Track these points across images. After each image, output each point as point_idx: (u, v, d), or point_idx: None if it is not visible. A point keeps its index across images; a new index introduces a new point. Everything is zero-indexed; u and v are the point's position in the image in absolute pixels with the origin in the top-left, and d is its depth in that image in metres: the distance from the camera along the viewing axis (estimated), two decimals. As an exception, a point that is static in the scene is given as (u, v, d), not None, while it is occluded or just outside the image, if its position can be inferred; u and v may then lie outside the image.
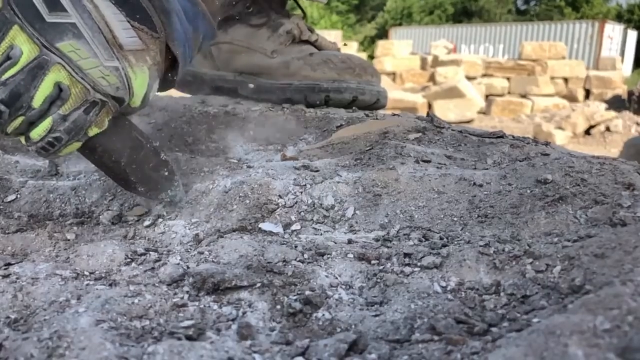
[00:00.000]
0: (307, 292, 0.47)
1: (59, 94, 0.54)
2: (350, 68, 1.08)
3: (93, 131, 0.57)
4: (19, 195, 0.68)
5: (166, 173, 0.64)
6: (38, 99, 0.53)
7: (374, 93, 1.09)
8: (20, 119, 0.54)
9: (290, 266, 0.51)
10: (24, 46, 0.52)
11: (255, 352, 0.39)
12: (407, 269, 0.51)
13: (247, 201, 0.64)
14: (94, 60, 0.55)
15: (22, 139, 0.57)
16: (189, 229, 0.61)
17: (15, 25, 0.52)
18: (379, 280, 0.50)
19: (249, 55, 1.11)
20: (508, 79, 8.53)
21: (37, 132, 0.55)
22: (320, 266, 0.52)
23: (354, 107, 1.07)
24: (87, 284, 0.48)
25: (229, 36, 1.13)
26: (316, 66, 1.07)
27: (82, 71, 0.54)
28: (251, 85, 1.11)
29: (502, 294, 0.47)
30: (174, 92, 1.22)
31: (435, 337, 0.40)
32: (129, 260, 0.54)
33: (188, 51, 0.65)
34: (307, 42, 1.14)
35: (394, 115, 1.05)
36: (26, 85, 0.53)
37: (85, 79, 0.55)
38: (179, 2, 0.63)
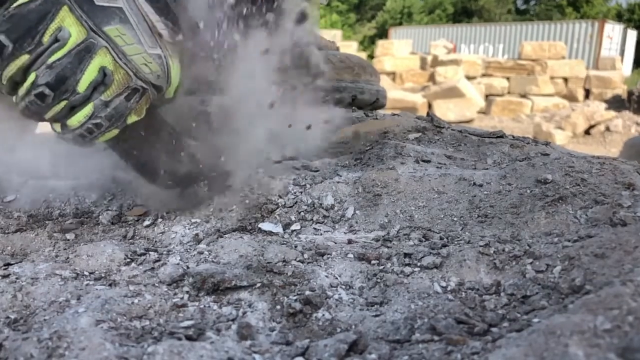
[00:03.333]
0: (307, 292, 0.47)
1: (102, 79, 0.53)
2: (349, 67, 1.08)
3: (132, 119, 0.56)
4: (18, 195, 0.68)
5: (192, 167, 0.64)
6: (83, 84, 0.52)
7: (373, 92, 1.09)
8: (63, 103, 0.53)
9: (290, 266, 0.51)
10: (72, 28, 0.51)
11: (255, 352, 0.39)
12: (407, 269, 0.51)
13: (247, 201, 0.64)
14: (139, 47, 0.54)
15: (57, 127, 0.55)
16: (189, 229, 0.61)
17: (65, 6, 0.51)
18: (379, 280, 0.50)
19: None
20: (508, 78, 8.52)
21: (77, 119, 0.54)
22: (320, 266, 0.52)
23: (353, 107, 1.07)
24: (87, 284, 0.48)
25: None
26: None
27: (126, 57, 0.54)
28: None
29: (502, 294, 0.47)
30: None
31: (436, 337, 0.40)
32: (128, 260, 0.54)
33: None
34: None
35: (394, 115, 1.05)
36: (73, 68, 0.52)
37: (129, 65, 0.54)
38: None
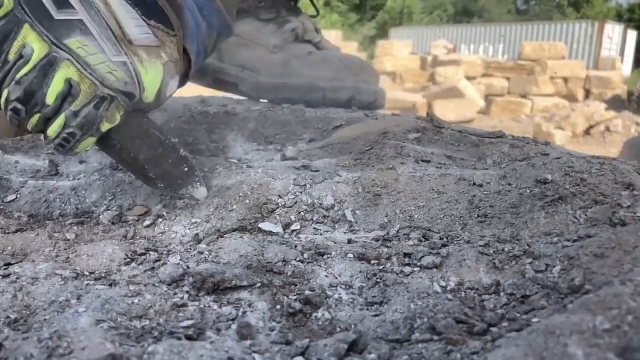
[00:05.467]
0: (307, 292, 0.47)
1: (69, 91, 0.55)
2: (348, 67, 1.08)
3: (105, 126, 0.58)
4: (19, 196, 0.68)
5: (186, 169, 0.64)
6: (51, 96, 0.55)
7: (372, 93, 1.09)
8: (37, 116, 0.56)
9: (290, 266, 0.51)
10: (34, 44, 0.53)
11: (255, 352, 0.39)
12: (407, 269, 0.51)
13: (247, 201, 0.64)
14: (102, 56, 0.55)
15: (43, 137, 0.58)
16: (189, 229, 0.61)
17: (26, 24, 0.53)
18: (379, 280, 0.50)
19: (252, 49, 1.12)
20: (508, 79, 8.51)
21: (53, 129, 0.56)
22: (320, 266, 0.52)
23: (353, 107, 1.07)
24: (87, 284, 0.48)
25: (239, 29, 1.14)
26: (314, 65, 1.08)
27: (90, 67, 0.55)
28: (251, 83, 1.11)
29: (502, 294, 0.47)
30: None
31: (435, 337, 0.40)
32: (129, 260, 0.54)
33: (202, 48, 0.66)
34: (309, 42, 1.14)
35: (394, 115, 1.05)
36: (39, 82, 0.54)
37: (94, 75, 0.55)
38: None
